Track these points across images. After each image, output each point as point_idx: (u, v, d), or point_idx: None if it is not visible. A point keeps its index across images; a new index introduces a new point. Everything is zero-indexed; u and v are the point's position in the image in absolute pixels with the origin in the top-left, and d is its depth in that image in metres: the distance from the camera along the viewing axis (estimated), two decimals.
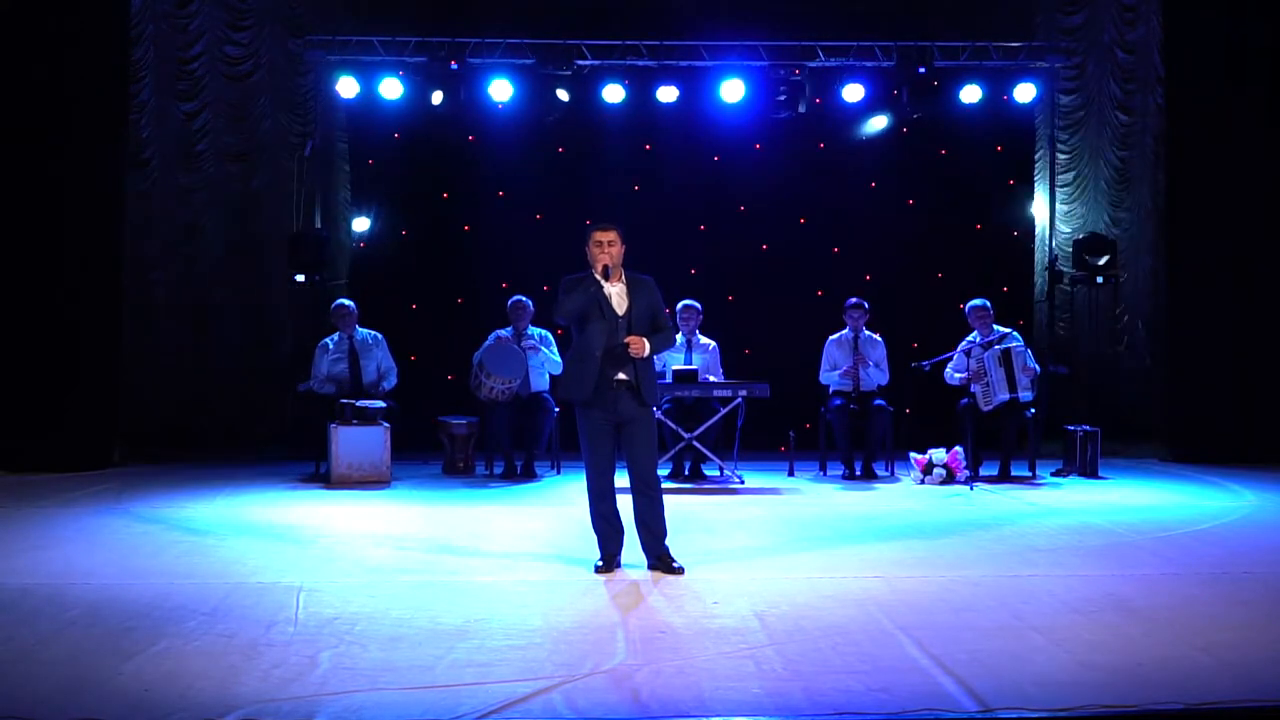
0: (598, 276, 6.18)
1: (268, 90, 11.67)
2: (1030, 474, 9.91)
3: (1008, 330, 9.90)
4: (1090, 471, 9.97)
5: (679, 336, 9.74)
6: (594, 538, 6.34)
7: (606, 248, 6.20)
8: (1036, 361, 9.92)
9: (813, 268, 11.96)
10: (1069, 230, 11.86)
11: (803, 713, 4.00)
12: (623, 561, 6.30)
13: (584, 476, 6.37)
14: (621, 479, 6.27)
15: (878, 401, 9.99)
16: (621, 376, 6.17)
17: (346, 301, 10.26)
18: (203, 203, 11.66)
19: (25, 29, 10.02)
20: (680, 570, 6.15)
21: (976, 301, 9.97)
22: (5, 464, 9.83)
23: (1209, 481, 9.62)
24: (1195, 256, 10.87)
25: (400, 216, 11.94)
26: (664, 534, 6.27)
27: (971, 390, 9.68)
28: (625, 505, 6.33)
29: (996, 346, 9.66)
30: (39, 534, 7.23)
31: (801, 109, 11.35)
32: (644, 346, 6.16)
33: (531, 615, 5.26)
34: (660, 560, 6.21)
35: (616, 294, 6.23)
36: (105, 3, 10.41)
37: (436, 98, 11.19)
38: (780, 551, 6.84)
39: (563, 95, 11.25)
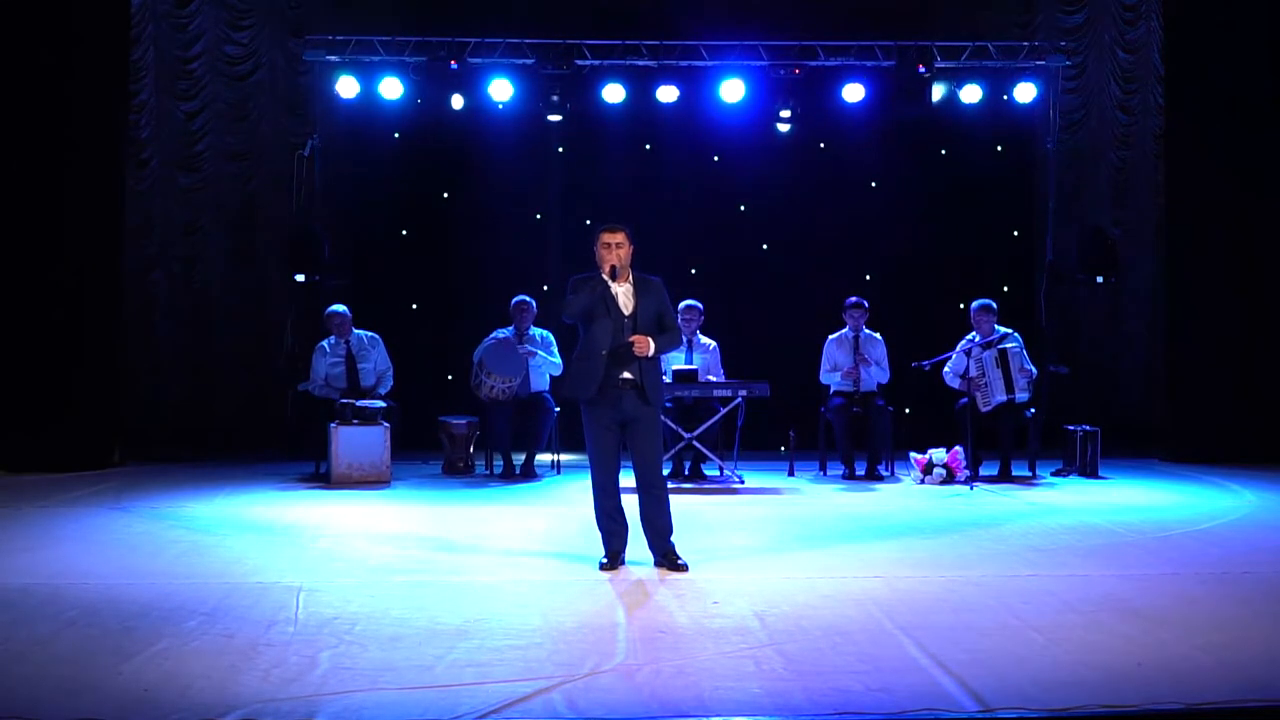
0: (605, 277, 6.20)
1: (268, 90, 11.67)
2: (1030, 474, 9.91)
3: (1008, 331, 9.90)
4: (1090, 471, 9.97)
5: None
6: (597, 535, 6.37)
7: (615, 249, 6.23)
8: (1034, 362, 9.92)
9: (813, 268, 11.94)
10: (1069, 230, 11.84)
11: (803, 713, 4.00)
12: (627, 558, 6.32)
13: (587, 475, 6.38)
14: (626, 478, 6.29)
15: (879, 402, 9.99)
16: (626, 376, 6.20)
17: (339, 308, 10.17)
18: (203, 203, 11.66)
19: (25, 29, 10.02)
20: (685, 567, 6.18)
21: (981, 301, 9.96)
22: (5, 464, 9.82)
23: (1209, 481, 9.62)
24: (1195, 256, 10.87)
25: (400, 216, 11.94)
26: (669, 531, 6.30)
27: (970, 393, 9.68)
28: (630, 502, 6.35)
29: (995, 347, 9.66)
30: (39, 534, 7.23)
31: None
32: (649, 346, 6.19)
33: (531, 615, 5.26)
34: (666, 557, 6.25)
35: (623, 294, 6.26)
36: (105, 3, 10.40)
37: (457, 101, 11.17)
38: (780, 551, 6.84)
39: (555, 116, 11.26)
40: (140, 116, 11.29)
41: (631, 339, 6.18)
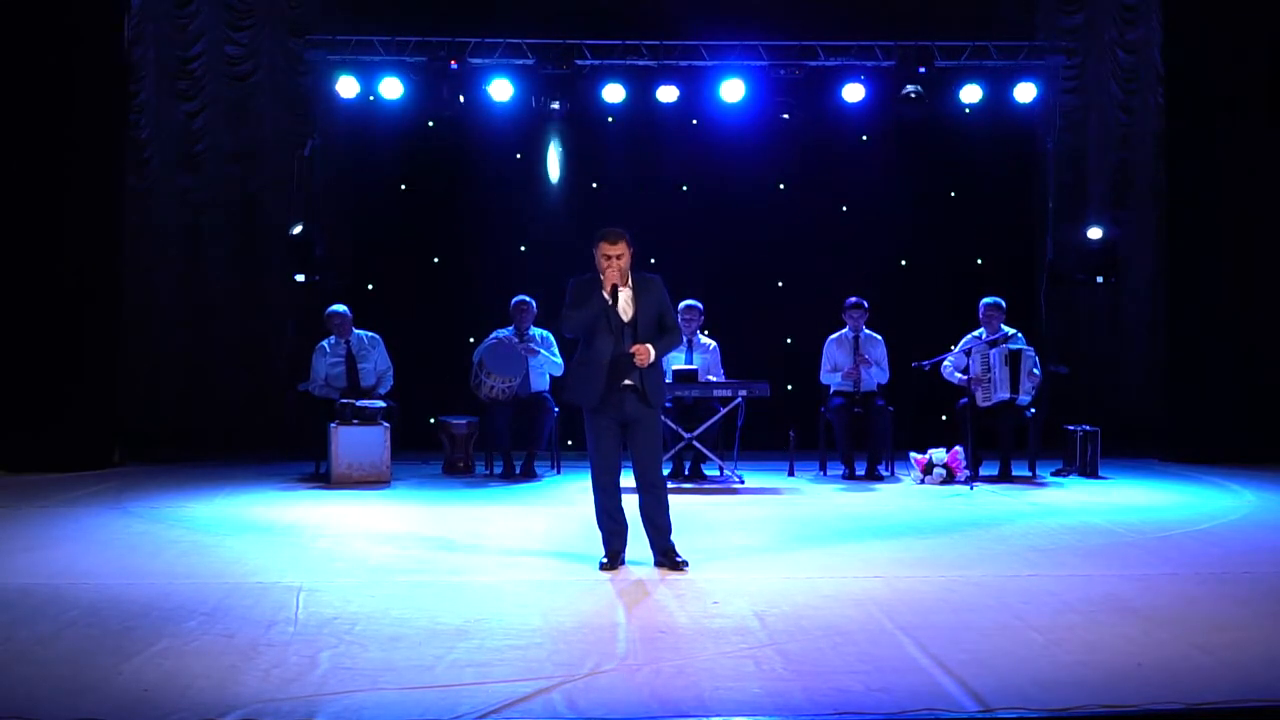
0: (606, 295, 6.13)
1: (268, 90, 11.67)
2: (1030, 474, 9.90)
3: (1014, 331, 9.89)
4: (1090, 471, 9.96)
5: None
6: (597, 535, 6.37)
7: (615, 260, 6.13)
8: (1039, 365, 9.91)
9: (813, 267, 11.93)
10: (1069, 230, 11.84)
11: (803, 713, 4.00)
12: (627, 558, 6.32)
13: (587, 475, 6.38)
14: (627, 478, 6.29)
15: (879, 402, 9.99)
16: (628, 382, 6.18)
17: (340, 308, 10.17)
18: (203, 203, 11.67)
19: (25, 29, 10.01)
20: (684, 566, 6.18)
21: (992, 299, 9.93)
22: (5, 464, 9.82)
23: (1209, 481, 9.62)
24: (1195, 256, 10.87)
25: (400, 216, 11.93)
26: (669, 530, 6.30)
27: (971, 389, 9.68)
28: (630, 503, 6.35)
29: (1003, 345, 9.65)
30: (39, 534, 7.23)
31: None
32: (649, 355, 6.15)
33: (531, 615, 5.26)
34: (665, 556, 6.25)
35: (623, 299, 6.20)
36: (105, 2, 10.41)
37: (457, 101, 11.15)
38: (780, 551, 6.84)
39: (555, 117, 11.27)
40: (140, 116, 11.30)
41: (632, 349, 6.14)
